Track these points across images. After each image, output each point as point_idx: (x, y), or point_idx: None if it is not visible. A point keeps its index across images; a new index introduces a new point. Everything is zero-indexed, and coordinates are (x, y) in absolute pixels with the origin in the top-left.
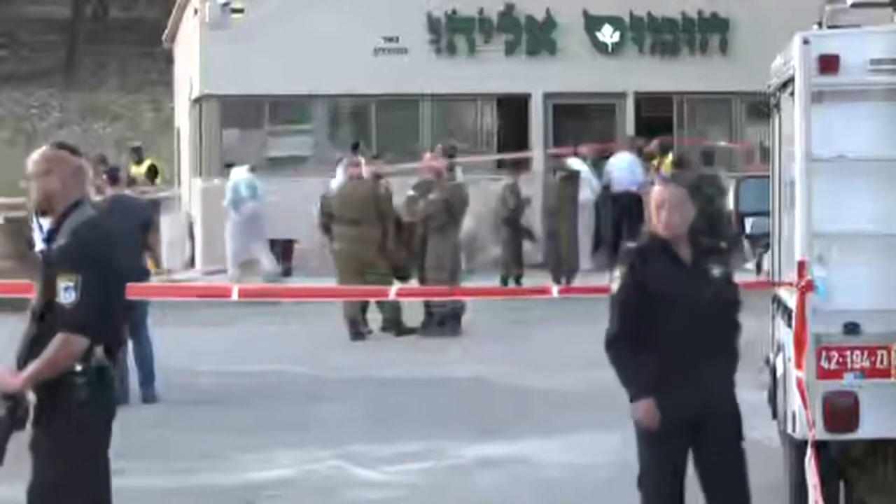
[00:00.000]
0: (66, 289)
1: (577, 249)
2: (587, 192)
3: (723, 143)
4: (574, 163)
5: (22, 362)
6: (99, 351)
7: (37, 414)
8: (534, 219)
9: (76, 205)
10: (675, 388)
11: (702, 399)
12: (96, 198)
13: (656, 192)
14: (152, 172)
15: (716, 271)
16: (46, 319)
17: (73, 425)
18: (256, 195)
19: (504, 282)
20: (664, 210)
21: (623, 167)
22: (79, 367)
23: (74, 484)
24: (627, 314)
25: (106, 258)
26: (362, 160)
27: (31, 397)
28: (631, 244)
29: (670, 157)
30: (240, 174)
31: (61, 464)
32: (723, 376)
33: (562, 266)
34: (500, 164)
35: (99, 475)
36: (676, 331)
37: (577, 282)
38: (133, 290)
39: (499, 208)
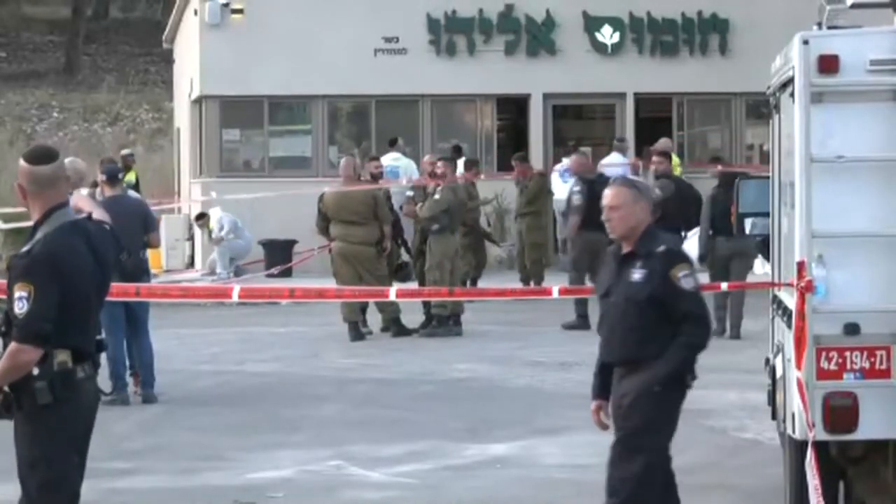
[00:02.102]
0: (20, 298)
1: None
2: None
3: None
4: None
5: None
6: (62, 355)
7: (12, 411)
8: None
9: (54, 209)
10: (613, 388)
11: (618, 399)
12: (98, 198)
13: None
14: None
15: (636, 274)
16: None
17: (38, 428)
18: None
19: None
20: (604, 211)
21: (614, 169)
22: (35, 371)
23: (42, 484)
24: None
25: (68, 266)
26: (399, 156)
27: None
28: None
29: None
30: (218, 212)
31: (31, 466)
32: (634, 380)
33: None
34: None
35: (66, 475)
36: (602, 333)
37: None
38: (134, 291)
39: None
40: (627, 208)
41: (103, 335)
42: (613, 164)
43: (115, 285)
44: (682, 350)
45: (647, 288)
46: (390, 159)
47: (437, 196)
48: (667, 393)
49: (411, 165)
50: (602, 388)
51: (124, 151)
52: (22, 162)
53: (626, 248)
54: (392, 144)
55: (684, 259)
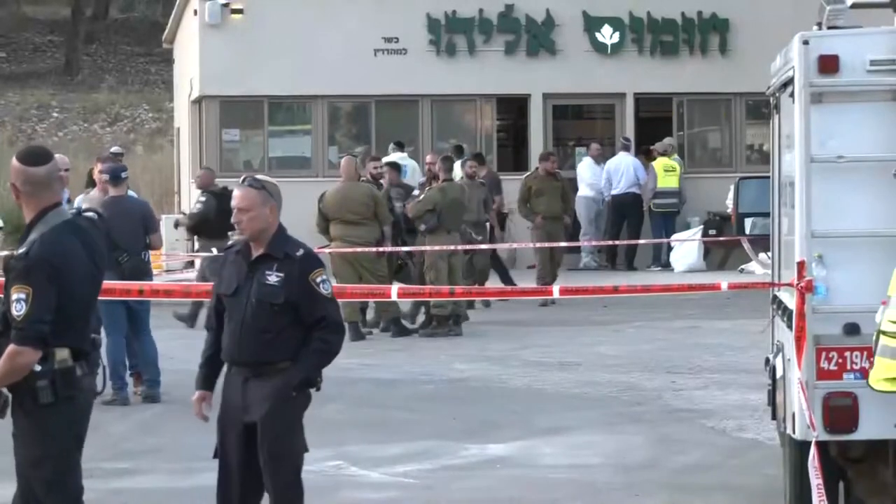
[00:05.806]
0: (18, 300)
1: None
2: (588, 191)
3: None
4: (582, 163)
5: None
6: (62, 353)
7: (11, 409)
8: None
9: (48, 209)
10: (230, 386)
11: (246, 401)
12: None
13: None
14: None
15: (272, 277)
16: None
17: (41, 427)
18: None
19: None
20: (234, 213)
21: (623, 168)
22: (38, 368)
23: (48, 483)
24: (212, 308)
25: (65, 267)
26: (405, 156)
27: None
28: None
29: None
30: None
31: (35, 466)
32: (265, 385)
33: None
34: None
35: (72, 472)
36: (228, 329)
37: (574, 282)
38: (136, 291)
39: None
40: (256, 210)
41: (102, 334)
42: (621, 163)
43: (119, 284)
44: (317, 356)
45: (283, 292)
46: (397, 157)
47: (421, 196)
48: (299, 398)
49: (416, 168)
50: (206, 380)
51: (114, 149)
52: (15, 162)
53: (257, 251)
54: (400, 147)
55: (321, 264)
